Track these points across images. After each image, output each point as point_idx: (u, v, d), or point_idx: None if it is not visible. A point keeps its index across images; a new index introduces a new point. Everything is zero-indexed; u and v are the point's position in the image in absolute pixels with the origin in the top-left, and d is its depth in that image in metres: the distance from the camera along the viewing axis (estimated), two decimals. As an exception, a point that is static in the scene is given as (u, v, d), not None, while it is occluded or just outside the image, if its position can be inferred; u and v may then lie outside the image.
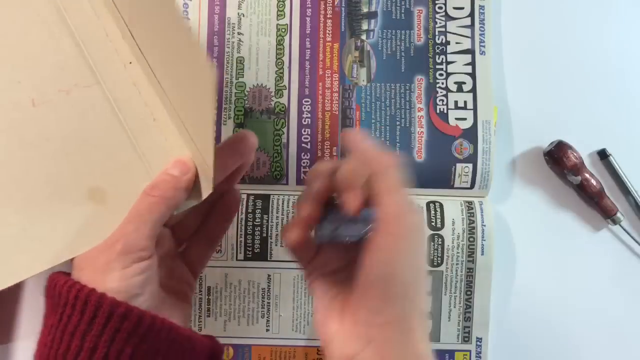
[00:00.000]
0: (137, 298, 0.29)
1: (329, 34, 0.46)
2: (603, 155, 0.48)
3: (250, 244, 0.45)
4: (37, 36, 0.33)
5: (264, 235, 0.45)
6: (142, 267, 0.29)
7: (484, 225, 0.45)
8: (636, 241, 0.47)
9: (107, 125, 0.33)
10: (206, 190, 0.31)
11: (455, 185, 0.45)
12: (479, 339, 0.45)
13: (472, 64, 0.46)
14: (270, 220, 0.44)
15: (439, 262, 0.44)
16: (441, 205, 0.45)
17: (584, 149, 0.47)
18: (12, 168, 0.32)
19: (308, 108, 0.46)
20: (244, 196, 0.45)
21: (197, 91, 0.28)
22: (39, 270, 0.31)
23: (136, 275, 0.29)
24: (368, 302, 0.28)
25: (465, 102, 0.46)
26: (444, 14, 0.47)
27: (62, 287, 0.28)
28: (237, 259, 0.45)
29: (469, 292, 0.45)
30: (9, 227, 0.32)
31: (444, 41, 0.46)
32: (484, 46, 0.46)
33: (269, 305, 0.45)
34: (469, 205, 0.45)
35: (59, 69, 0.33)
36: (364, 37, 0.46)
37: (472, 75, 0.46)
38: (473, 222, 0.45)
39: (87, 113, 0.33)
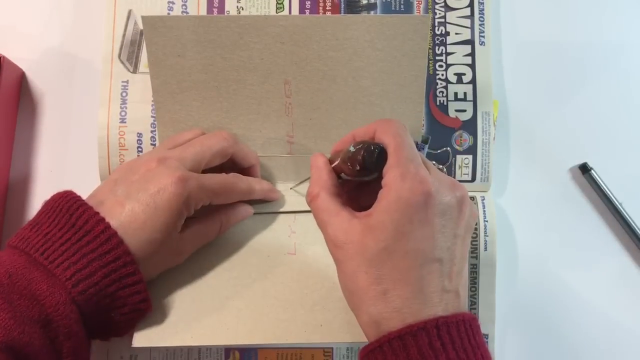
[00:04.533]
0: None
1: (328, 26, 0.46)
2: (584, 169, 0.47)
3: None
4: None
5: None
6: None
7: (486, 221, 0.44)
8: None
9: None
10: None
11: (456, 178, 0.45)
12: (485, 335, 0.44)
13: (472, 54, 0.46)
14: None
15: (443, 259, 0.44)
16: None
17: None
18: None
19: (307, 100, 0.46)
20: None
21: None
22: None
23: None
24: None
25: (465, 94, 0.45)
26: (443, 4, 0.46)
27: (90, 215, 0.34)
28: None
29: (473, 289, 0.44)
30: None
31: (443, 32, 0.46)
32: (483, 36, 0.46)
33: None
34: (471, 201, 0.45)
35: None
36: (363, 29, 0.46)
37: (472, 66, 0.46)
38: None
39: None
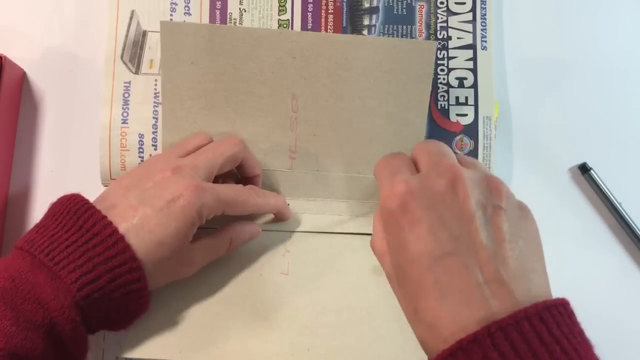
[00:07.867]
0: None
1: (330, 29, 0.46)
2: (584, 169, 0.47)
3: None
4: None
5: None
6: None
7: None
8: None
9: None
10: None
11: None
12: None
13: (474, 59, 0.46)
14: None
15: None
16: None
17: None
18: None
19: (310, 104, 0.46)
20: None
21: None
22: None
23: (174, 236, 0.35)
24: None
25: (466, 98, 0.46)
26: (445, 9, 0.46)
27: (98, 219, 0.34)
28: None
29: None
30: None
31: (445, 36, 0.46)
32: (485, 41, 0.46)
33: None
34: None
35: None
36: (365, 32, 0.46)
37: (474, 70, 0.46)
38: None
39: None
